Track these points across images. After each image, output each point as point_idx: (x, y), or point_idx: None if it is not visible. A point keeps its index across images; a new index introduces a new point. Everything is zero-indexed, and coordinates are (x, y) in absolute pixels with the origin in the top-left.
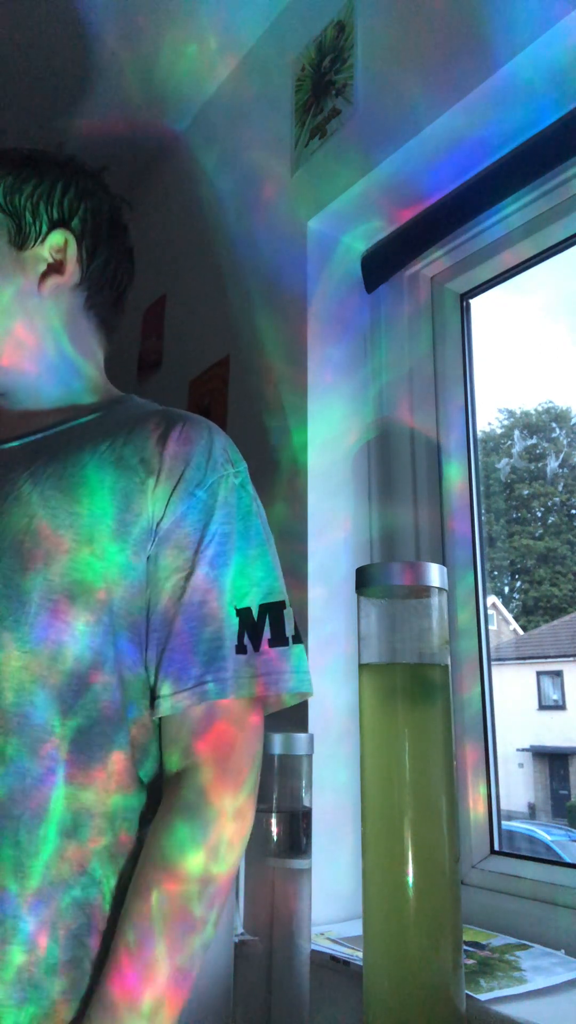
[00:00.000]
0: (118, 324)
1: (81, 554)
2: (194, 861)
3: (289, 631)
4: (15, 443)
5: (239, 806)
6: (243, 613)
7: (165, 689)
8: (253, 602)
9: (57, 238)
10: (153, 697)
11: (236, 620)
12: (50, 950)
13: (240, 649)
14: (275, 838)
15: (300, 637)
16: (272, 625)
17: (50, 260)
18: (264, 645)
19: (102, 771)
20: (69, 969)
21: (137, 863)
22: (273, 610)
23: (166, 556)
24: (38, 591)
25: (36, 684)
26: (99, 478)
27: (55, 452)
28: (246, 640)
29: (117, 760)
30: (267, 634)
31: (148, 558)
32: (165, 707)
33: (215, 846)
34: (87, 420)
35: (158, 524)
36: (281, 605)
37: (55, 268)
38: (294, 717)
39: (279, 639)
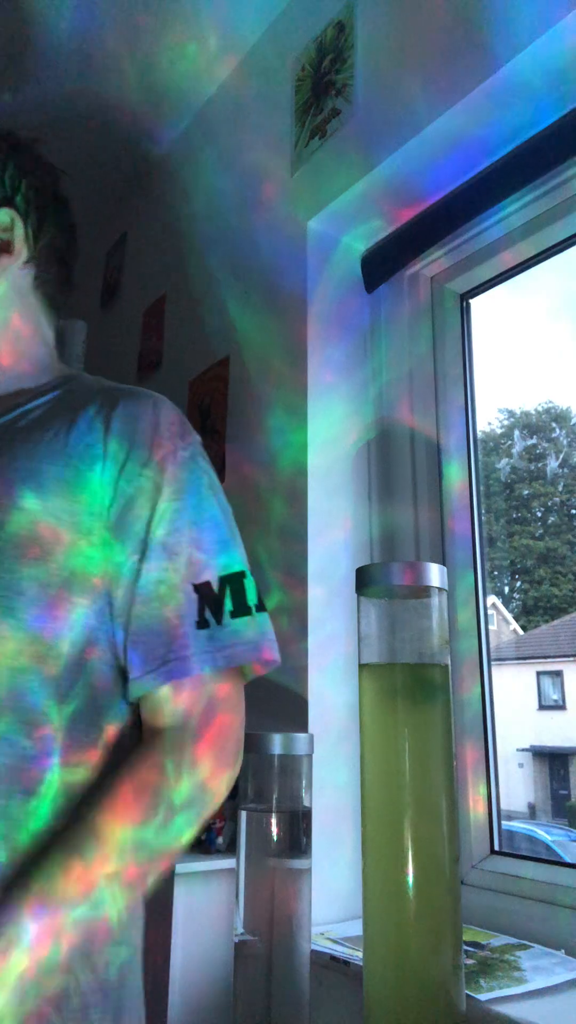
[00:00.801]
0: (65, 302)
1: (41, 546)
2: (175, 783)
3: (252, 600)
4: None
5: (219, 783)
6: (202, 588)
7: (133, 671)
8: (212, 575)
9: (2, 217)
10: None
11: (196, 596)
12: (51, 957)
13: (202, 624)
14: (275, 838)
15: (264, 605)
16: (233, 596)
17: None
18: (226, 618)
19: (93, 752)
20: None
21: None
22: (233, 581)
23: (119, 539)
24: (26, 581)
25: (32, 669)
26: (48, 468)
27: (7, 441)
28: (207, 615)
29: (107, 741)
30: (228, 606)
31: (104, 543)
32: (135, 689)
33: (194, 791)
34: (37, 404)
35: (109, 508)
36: (241, 576)
37: (3, 248)
38: (294, 717)
39: (241, 610)
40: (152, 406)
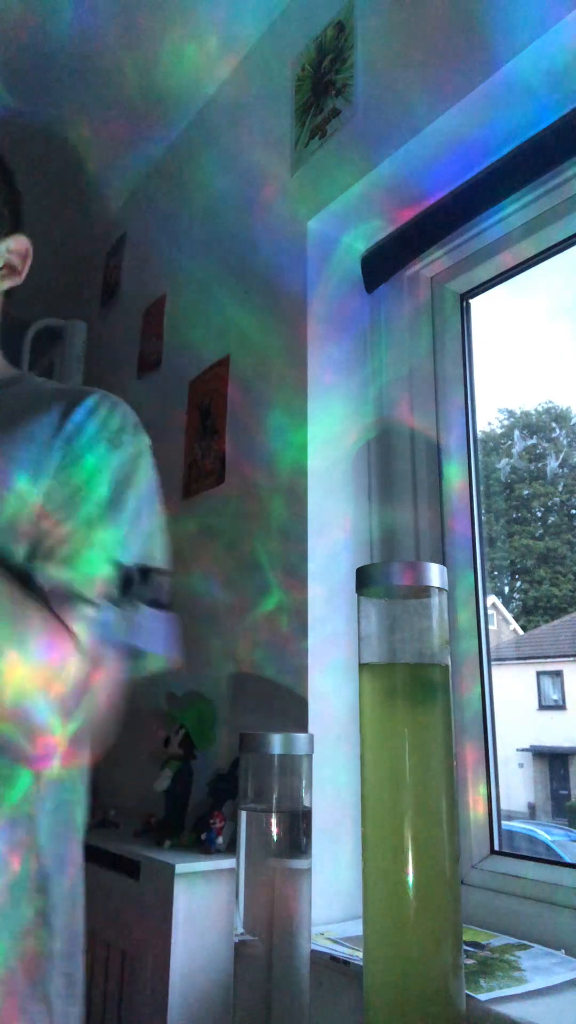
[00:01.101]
0: None
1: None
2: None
3: (164, 599)
4: None
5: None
6: (120, 568)
7: None
8: (132, 561)
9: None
10: None
11: (114, 574)
12: (22, 876)
13: (109, 602)
14: (275, 838)
15: (172, 608)
16: (148, 586)
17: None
18: (137, 602)
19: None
20: (38, 898)
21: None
22: (150, 573)
23: (56, 511)
24: None
25: None
26: (4, 449)
27: None
28: (117, 595)
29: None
30: (141, 594)
31: (41, 514)
32: None
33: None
34: None
35: (52, 484)
36: (159, 571)
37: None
38: (294, 717)
39: (152, 602)
40: (108, 403)
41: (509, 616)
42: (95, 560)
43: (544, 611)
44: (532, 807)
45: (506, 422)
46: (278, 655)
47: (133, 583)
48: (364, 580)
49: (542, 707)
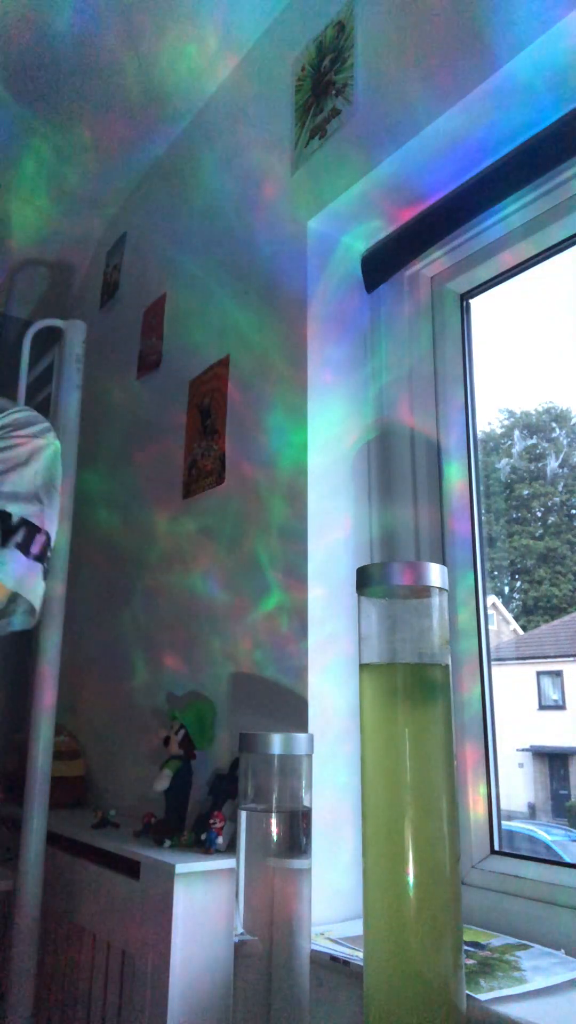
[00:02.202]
0: None
1: None
2: None
3: (36, 552)
4: None
5: None
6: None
7: None
8: (16, 513)
9: None
10: None
11: None
12: None
13: None
14: (275, 838)
15: (44, 562)
16: (24, 536)
17: None
18: (7, 545)
19: None
20: None
21: None
22: (31, 529)
23: None
24: None
25: None
26: None
27: None
28: None
29: None
30: (18, 538)
31: None
32: None
33: None
34: None
35: None
36: (38, 530)
37: None
38: (294, 717)
39: (24, 549)
40: (14, 415)
41: (509, 616)
42: None
43: (544, 611)
44: (532, 807)
45: (506, 422)
46: (278, 655)
47: (13, 533)
48: (364, 580)
49: (542, 707)
